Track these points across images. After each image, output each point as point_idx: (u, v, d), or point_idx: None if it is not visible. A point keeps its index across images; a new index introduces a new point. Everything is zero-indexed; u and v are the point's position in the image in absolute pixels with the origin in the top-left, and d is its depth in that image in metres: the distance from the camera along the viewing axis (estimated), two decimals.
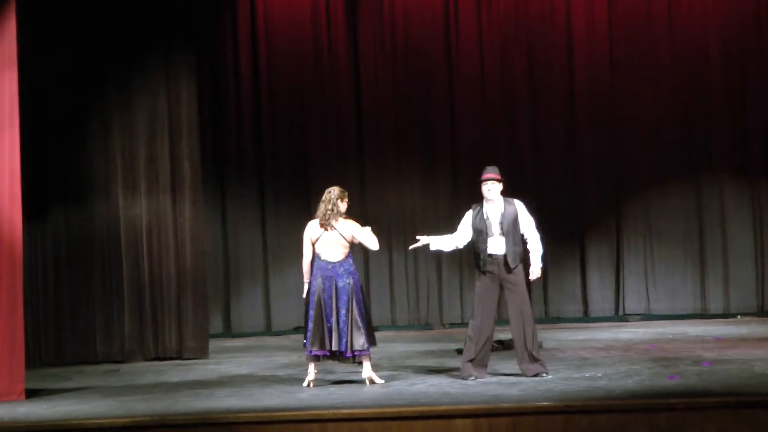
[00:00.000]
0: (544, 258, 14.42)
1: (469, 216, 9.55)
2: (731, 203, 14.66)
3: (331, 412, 7.95)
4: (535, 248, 9.56)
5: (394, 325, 14.66)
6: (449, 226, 13.55)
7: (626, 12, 14.70)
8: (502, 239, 9.40)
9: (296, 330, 14.33)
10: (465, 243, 9.64)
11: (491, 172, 9.53)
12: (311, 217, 14.47)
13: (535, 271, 9.53)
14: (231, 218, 14.48)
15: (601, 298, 14.69)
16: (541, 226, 14.33)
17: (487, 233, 9.41)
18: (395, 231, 14.43)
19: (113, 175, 12.08)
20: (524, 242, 9.56)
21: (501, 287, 9.44)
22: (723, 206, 14.64)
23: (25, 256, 9.98)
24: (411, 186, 14.67)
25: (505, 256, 9.37)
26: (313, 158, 14.55)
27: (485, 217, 9.46)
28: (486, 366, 9.47)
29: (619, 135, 14.69)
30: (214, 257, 14.14)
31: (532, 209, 14.36)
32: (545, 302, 14.68)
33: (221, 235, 14.40)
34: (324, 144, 14.59)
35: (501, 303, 9.88)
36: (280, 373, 10.61)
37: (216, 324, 14.07)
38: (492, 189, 9.48)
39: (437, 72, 14.69)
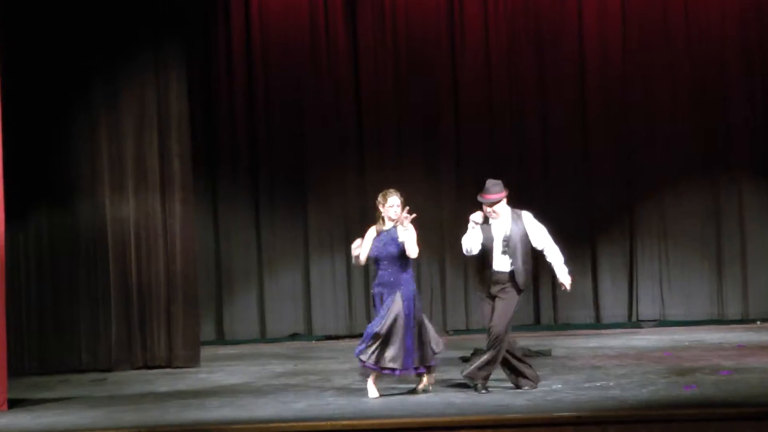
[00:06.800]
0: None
1: (478, 226, 9.30)
2: (750, 203, 14.67)
3: (329, 423, 7.97)
4: (556, 257, 9.37)
5: None
6: (452, 226, 13.61)
7: (640, 4, 14.70)
8: (506, 258, 9.22)
9: (292, 337, 14.34)
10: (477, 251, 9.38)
11: (493, 192, 9.24)
12: (307, 217, 14.66)
13: (565, 280, 9.31)
14: (223, 219, 14.48)
15: (613, 304, 14.70)
16: (550, 228, 14.46)
17: (491, 250, 9.22)
18: None
19: (99, 174, 12.07)
20: (536, 255, 9.40)
21: (493, 297, 9.29)
22: (741, 207, 14.66)
23: (6, 259, 9.97)
24: (414, 186, 14.61)
25: (510, 274, 9.21)
26: (310, 157, 14.54)
27: (491, 233, 9.26)
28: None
29: (633, 133, 14.70)
30: (206, 260, 14.15)
31: (541, 210, 14.47)
32: (555, 308, 14.68)
33: (213, 237, 14.40)
34: (321, 142, 14.58)
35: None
36: (275, 382, 10.63)
37: (207, 331, 14.07)
38: (497, 211, 9.24)
39: (441, 66, 14.68)
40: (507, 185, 13.02)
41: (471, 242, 9.30)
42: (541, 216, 14.33)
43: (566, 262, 14.55)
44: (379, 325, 9.20)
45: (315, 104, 14.56)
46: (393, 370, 9.22)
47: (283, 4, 14.56)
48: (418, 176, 14.65)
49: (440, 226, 14.04)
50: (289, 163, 14.57)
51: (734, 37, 14.66)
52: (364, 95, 14.65)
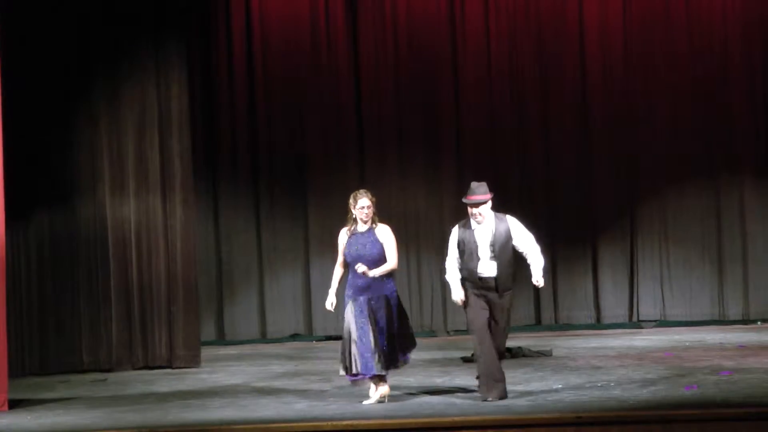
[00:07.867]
0: (554, 261, 14.65)
1: (455, 235, 9.10)
2: (751, 203, 14.66)
3: (330, 423, 7.99)
4: (536, 262, 9.03)
5: None
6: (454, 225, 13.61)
7: (642, 4, 14.70)
8: (493, 263, 8.94)
9: (292, 337, 14.36)
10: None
11: (478, 193, 8.95)
12: (308, 217, 14.70)
13: (539, 280, 9.00)
14: (224, 219, 14.49)
15: (614, 304, 14.70)
16: (551, 228, 14.56)
17: (476, 255, 8.93)
18: (398, 233, 14.36)
19: (100, 174, 12.08)
20: (518, 259, 9.17)
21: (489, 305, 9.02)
22: (743, 206, 14.66)
23: (6, 259, 9.99)
24: (415, 186, 14.67)
25: (495, 279, 8.93)
26: (311, 157, 14.55)
27: (474, 238, 8.99)
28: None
29: (634, 132, 14.69)
30: (206, 260, 14.16)
31: (542, 211, 14.57)
32: (555, 308, 14.69)
33: (214, 237, 14.41)
34: (322, 142, 14.59)
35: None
36: (276, 382, 10.65)
37: (208, 331, 14.09)
38: (482, 213, 8.94)
39: (442, 68, 14.66)
40: (508, 186, 12.96)
41: (457, 276, 9.12)
42: (543, 216, 14.48)
43: (567, 262, 14.75)
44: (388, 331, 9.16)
45: (315, 103, 14.56)
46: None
47: (283, 5, 14.57)
48: (420, 177, 14.67)
49: (441, 227, 14.03)
50: (290, 163, 14.57)
51: (736, 36, 14.65)
52: (365, 95, 14.65)
